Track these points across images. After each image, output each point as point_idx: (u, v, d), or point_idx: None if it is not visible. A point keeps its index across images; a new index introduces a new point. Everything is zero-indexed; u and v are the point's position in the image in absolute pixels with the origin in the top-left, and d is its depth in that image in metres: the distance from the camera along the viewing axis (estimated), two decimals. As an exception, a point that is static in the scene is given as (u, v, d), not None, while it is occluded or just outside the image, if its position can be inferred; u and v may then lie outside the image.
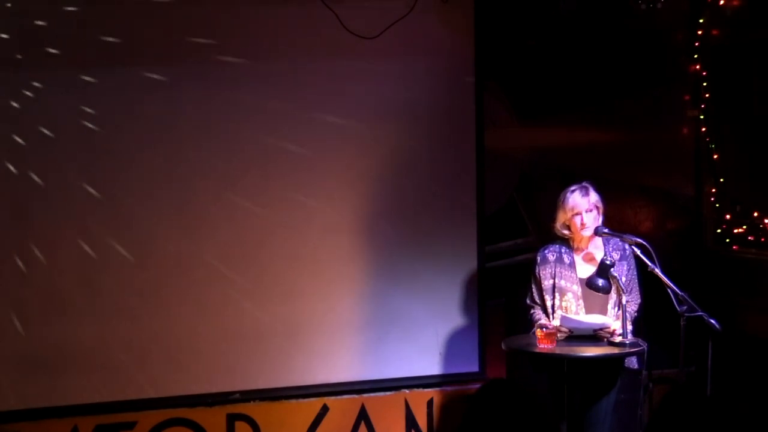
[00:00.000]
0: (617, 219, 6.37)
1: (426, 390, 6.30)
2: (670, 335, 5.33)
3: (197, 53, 5.84)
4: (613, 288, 5.34)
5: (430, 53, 6.20)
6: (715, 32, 6.78)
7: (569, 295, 5.42)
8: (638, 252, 5.35)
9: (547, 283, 5.47)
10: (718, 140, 6.83)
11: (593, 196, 5.41)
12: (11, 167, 5.60)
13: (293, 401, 6.08)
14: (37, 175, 5.63)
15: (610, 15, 6.69)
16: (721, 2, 6.74)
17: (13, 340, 5.62)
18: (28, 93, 5.60)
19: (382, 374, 6.20)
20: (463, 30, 6.24)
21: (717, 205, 6.85)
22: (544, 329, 5.25)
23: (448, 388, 6.33)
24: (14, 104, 5.59)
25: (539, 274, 5.50)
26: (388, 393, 6.23)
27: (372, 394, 6.20)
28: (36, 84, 5.60)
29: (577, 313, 5.39)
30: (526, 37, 6.57)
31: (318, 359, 6.09)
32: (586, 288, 5.38)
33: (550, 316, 5.44)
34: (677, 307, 5.16)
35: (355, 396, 6.17)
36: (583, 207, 5.38)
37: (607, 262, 5.31)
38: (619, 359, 5.30)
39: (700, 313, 5.14)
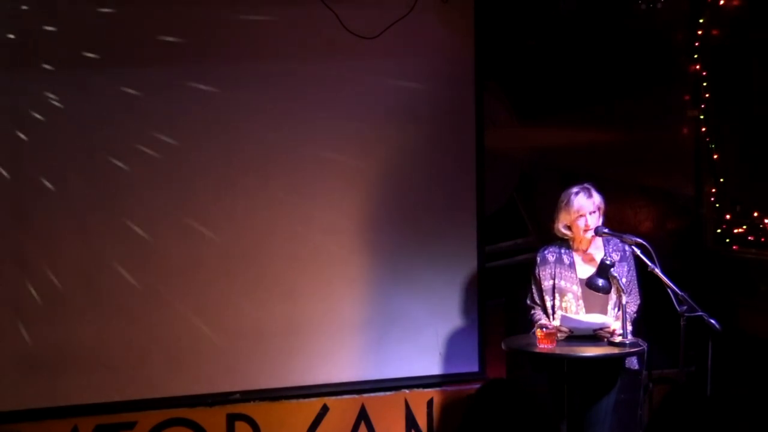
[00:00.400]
0: (617, 219, 6.37)
1: (426, 390, 6.30)
2: (670, 335, 5.33)
3: (197, 53, 5.83)
4: (613, 288, 5.34)
5: (430, 53, 6.20)
6: (715, 32, 6.79)
7: (569, 296, 5.42)
8: (638, 252, 5.35)
9: (547, 284, 5.47)
10: (718, 140, 6.83)
11: (596, 198, 5.41)
12: (11, 167, 5.60)
13: (293, 401, 6.08)
14: (37, 175, 5.63)
15: (610, 15, 6.69)
16: (721, 2, 6.74)
17: (13, 340, 5.62)
18: (28, 93, 5.59)
19: (382, 374, 6.20)
20: (463, 30, 6.24)
21: (717, 205, 6.86)
22: (544, 329, 5.25)
23: (448, 388, 6.33)
24: (14, 104, 5.58)
25: (539, 274, 5.50)
26: (388, 393, 6.23)
27: (372, 394, 6.20)
28: (36, 84, 5.60)
29: (577, 314, 5.38)
30: (526, 37, 6.57)
31: (318, 359, 6.09)
32: (586, 288, 5.38)
33: (550, 317, 5.44)
34: (677, 307, 5.16)
35: (355, 396, 6.17)
36: (587, 209, 5.37)
37: (607, 262, 5.30)
38: (619, 359, 5.30)
39: (700, 313, 5.14)
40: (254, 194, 5.96)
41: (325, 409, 6.12)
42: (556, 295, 5.44)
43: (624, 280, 5.35)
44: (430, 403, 6.31)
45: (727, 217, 6.83)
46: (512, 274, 6.43)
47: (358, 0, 5.99)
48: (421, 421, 6.30)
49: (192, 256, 5.86)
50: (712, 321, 5.12)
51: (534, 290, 5.54)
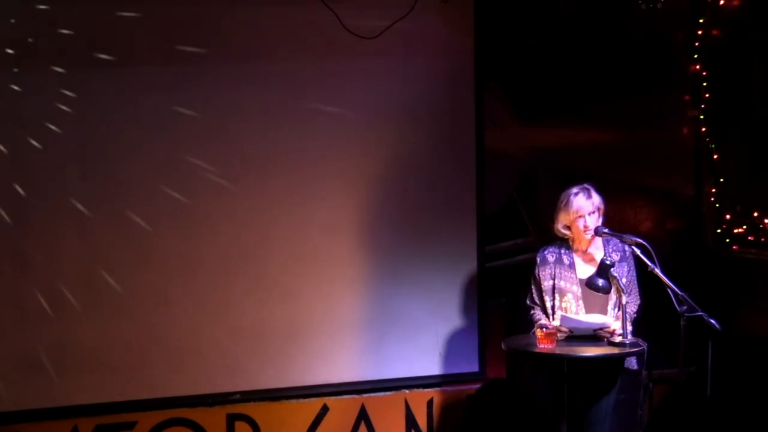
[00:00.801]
0: (617, 219, 6.37)
1: (426, 390, 6.30)
2: (670, 335, 5.32)
3: (197, 53, 5.83)
4: (613, 288, 5.34)
5: (430, 53, 6.20)
6: (715, 32, 6.79)
7: (569, 296, 5.42)
8: (638, 252, 5.35)
9: (546, 284, 5.47)
10: (718, 140, 6.83)
11: (596, 198, 5.41)
12: (11, 167, 5.60)
13: (293, 401, 6.08)
14: (37, 174, 5.63)
15: (610, 15, 6.69)
16: (721, 2, 6.74)
17: (13, 340, 5.62)
18: (28, 93, 5.59)
19: (383, 374, 6.20)
20: (463, 30, 6.24)
21: (717, 205, 6.86)
22: (544, 329, 5.25)
23: (448, 388, 6.33)
24: (14, 104, 5.58)
25: (539, 275, 5.50)
26: (388, 393, 6.23)
27: (372, 394, 6.20)
28: (36, 84, 5.59)
29: (577, 314, 5.38)
30: (526, 37, 6.58)
31: (318, 359, 6.09)
32: (585, 288, 5.38)
33: (550, 317, 5.44)
34: (677, 307, 5.16)
35: (355, 396, 6.17)
36: (587, 210, 5.37)
37: (607, 262, 5.30)
38: (618, 359, 5.30)
39: (700, 313, 5.14)
40: (254, 194, 5.96)
41: (325, 409, 6.13)
42: (556, 295, 5.44)
43: (624, 280, 5.34)
44: (430, 403, 6.31)
45: (727, 217, 6.83)
46: (512, 274, 6.43)
47: (358, 0, 5.99)
48: (421, 421, 6.30)
49: (192, 256, 5.86)
50: (712, 321, 5.12)
51: (534, 290, 5.54)
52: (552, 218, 5.51)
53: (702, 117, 6.83)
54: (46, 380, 5.66)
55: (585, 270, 5.44)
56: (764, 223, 6.63)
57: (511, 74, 6.54)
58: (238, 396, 5.98)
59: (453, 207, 6.30)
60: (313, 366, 6.08)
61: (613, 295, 5.39)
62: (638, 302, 5.50)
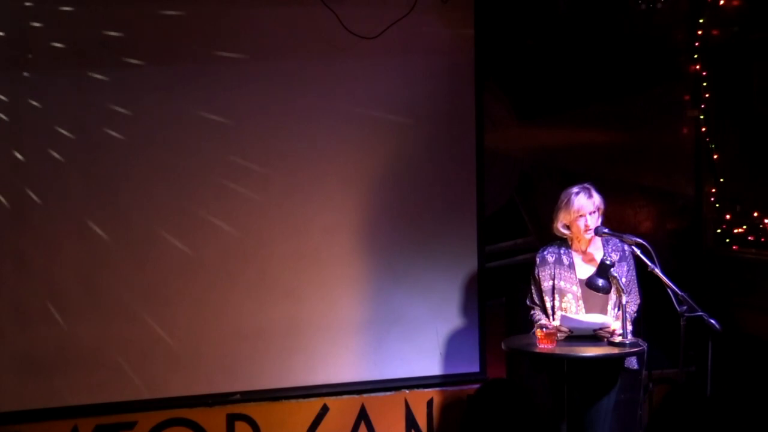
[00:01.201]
0: (617, 219, 6.37)
1: (426, 390, 6.30)
2: (670, 335, 5.32)
3: (197, 53, 5.83)
4: (613, 288, 5.33)
5: (430, 53, 6.20)
6: (715, 32, 6.79)
7: (569, 296, 5.41)
8: (638, 252, 5.34)
9: (546, 285, 5.46)
10: (718, 140, 6.83)
11: (596, 198, 5.40)
12: (12, 167, 5.60)
13: (293, 401, 6.08)
14: (37, 175, 5.63)
15: (609, 15, 6.69)
16: (721, 2, 6.74)
17: (13, 341, 5.62)
18: (28, 93, 5.59)
19: (383, 375, 6.20)
20: (463, 30, 6.24)
21: (717, 205, 6.86)
22: (544, 329, 5.24)
23: (449, 389, 6.33)
24: (14, 104, 5.58)
25: (538, 275, 5.49)
26: (388, 393, 6.23)
27: (372, 394, 6.20)
28: (36, 84, 5.59)
29: (577, 314, 5.38)
30: (525, 36, 6.58)
31: (318, 359, 6.09)
32: (585, 288, 5.38)
33: (550, 318, 5.43)
34: (677, 307, 5.16)
35: (355, 396, 6.17)
36: (587, 210, 5.37)
37: (607, 262, 5.30)
38: (618, 359, 5.30)
39: (699, 313, 5.13)
40: (254, 194, 5.96)
41: (325, 409, 6.13)
42: (556, 295, 5.44)
43: (624, 280, 5.34)
44: (430, 403, 6.31)
45: (727, 217, 6.83)
46: (512, 273, 6.44)
47: (358, 0, 5.99)
48: (421, 421, 6.30)
49: (192, 256, 5.86)
50: (712, 321, 5.11)
51: (533, 291, 5.54)
52: (552, 218, 5.51)
53: (702, 117, 6.84)
54: (46, 380, 5.66)
55: (585, 270, 5.44)
56: (764, 223, 6.63)
57: (511, 74, 6.55)
58: (238, 396, 5.98)
59: (453, 207, 6.29)
60: (313, 366, 6.08)
61: (613, 295, 5.38)
62: (638, 302, 5.49)
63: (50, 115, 5.63)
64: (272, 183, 5.99)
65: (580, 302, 5.41)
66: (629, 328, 5.27)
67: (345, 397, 6.16)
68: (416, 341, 6.25)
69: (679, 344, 5.17)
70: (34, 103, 5.60)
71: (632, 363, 5.37)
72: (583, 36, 6.64)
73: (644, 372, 5.32)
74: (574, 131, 6.66)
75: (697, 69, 6.82)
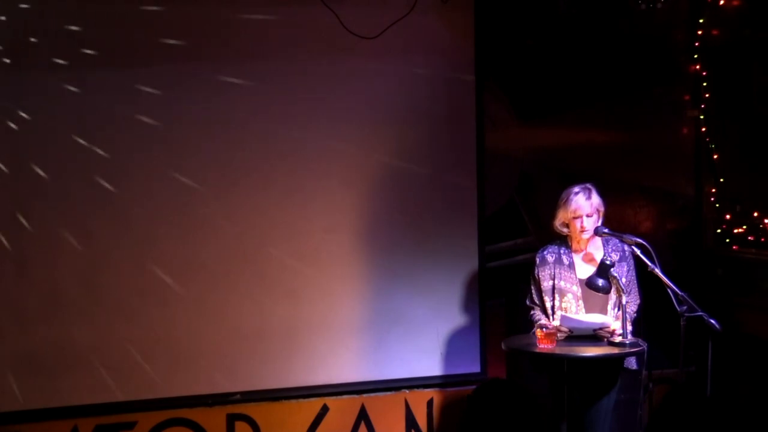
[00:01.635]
0: (617, 219, 6.37)
1: (426, 390, 6.30)
2: (670, 335, 5.32)
3: (197, 54, 5.83)
4: (613, 288, 5.33)
5: (430, 53, 6.20)
6: (715, 32, 6.79)
7: (569, 296, 5.41)
8: (638, 252, 5.35)
9: (546, 285, 5.46)
10: (718, 140, 6.83)
11: (595, 200, 5.40)
12: (12, 167, 5.60)
13: (293, 401, 6.08)
14: (37, 175, 5.63)
15: (609, 15, 6.69)
16: (721, 2, 6.74)
17: (13, 341, 5.62)
18: (28, 93, 5.59)
19: (383, 375, 6.20)
20: (463, 30, 6.24)
21: (717, 205, 6.86)
22: (544, 329, 5.24)
23: (449, 389, 6.33)
24: (14, 104, 5.58)
25: (538, 275, 5.49)
26: (388, 393, 6.23)
27: (372, 394, 6.20)
28: (36, 85, 5.59)
29: (576, 314, 5.38)
30: (525, 36, 6.58)
31: (318, 359, 6.09)
32: (585, 288, 5.38)
33: (550, 317, 5.44)
34: (677, 307, 5.16)
35: (355, 396, 6.17)
36: (584, 211, 5.37)
37: (607, 262, 5.30)
38: (618, 359, 5.30)
39: (699, 313, 5.13)
40: (255, 194, 5.96)
41: (325, 409, 6.13)
42: (556, 295, 5.44)
43: (624, 280, 5.34)
44: (430, 403, 6.31)
45: (727, 217, 6.83)
46: (512, 273, 6.43)
47: (358, 0, 5.99)
48: (421, 421, 6.30)
49: (192, 256, 5.86)
50: (712, 321, 5.11)
51: (533, 291, 5.54)
52: (552, 215, 5.50)
53: (702, 117, 6.84)
54: (46, 380, 5.66)
55: (585, 270, 5.44)
56: (764, 223, 6.63)
57: (511, 74, 6.54)
58: (238, 396, 5.98)
59: (453, 207, 6.30)
60: (313, 366, 6.08)
61: (613, 295, 5.38)
62: (638, 302, 5.49)
63: (50, 115, 5.63)
64: (272, 183, 5.99)
65: (580, 302, 5.41)
66: (629, 328, 5.27)
67: (345, 397, 6.16)
68: (416, 341, 6.25)
69: (679, 344, 5.17)
70: (34, 103, 5.60)
71: (632, 363, 5.37)
72: (583, 36, 6.64)
73: (644, 372, 5.32)
74: (574, 131, 6.66)
75: (697, 69, 6.82)
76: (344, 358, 6.14)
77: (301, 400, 6.09)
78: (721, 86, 6.80)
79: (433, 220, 6.25)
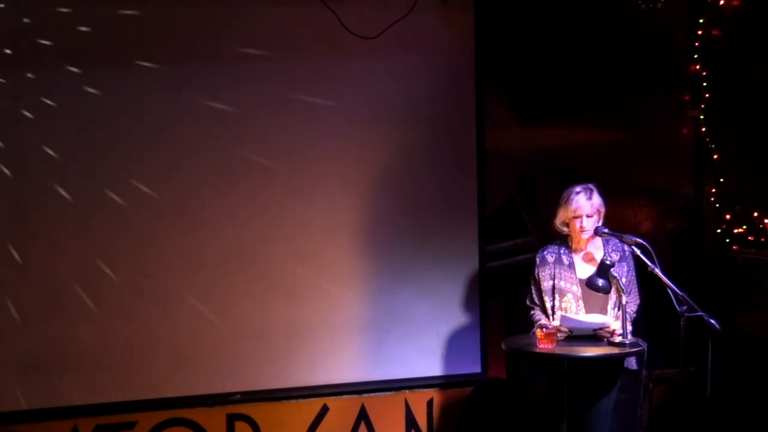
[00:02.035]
0: (617, 219, 6.37)
1: (426, 390, 6.30)
2: (670, 335, 5.32)
3: (198, 53, 5.84)
4: (613, 288, 5.33)
5: (430, 53, 6.20)
6: (715, 32, 6.79)
7: (569, 296, 5.41)
8: (638, 252, 5.34)
9: (546, 285, 5.46)
10: (718, 140, 6.83)
11: (596, 200, 5.39)
12: (12, 167, 5.60)
13: (293, 401, 6.08)
14: (37, 175, 5.63)
15: (609, 15, 6.69)
16: (721, 2, 6.74)
17: (13, 341, 5.62)
18: (28, 93, 5.60)
19: (383, 375, 6.20)
20: (463, 30, 6.24)
21: (717, 205, 6.86)
22: (544, 329, 5.24)
23: (449, 389, 6.32)
24: (14, 104, 5.58)
25: (538, 275, 5.49)
26: (388, 393, 6.23)
27: (372, 394, 6.20)
28: (36, 84, 5.60)
29: (576, 314, 5.38)
30: (525, 36, 6.58)
31: (318, 359, 6.09)
32: (585, 288, 5.38)
33: (550, 318, 5.43)
34: (677, 307, 5.16)
35: (355, 396, 6.17)
36: (585, 211, 5.37)
37: (607, 262, 5.30)
38: (618, 359, 5.30)
39: (699, 313, 5.13)
40: (255, 195, 5.96)
41: (325, 409, 6.13)
42: (556, 295, 5.44)
43: (624, 280, 5.34)
44: (430, 403, 6.31)
45: (727, 217, 6.83)
46: (512, 273, 6.44)
47: (358, 0, 5.99)
48: (421, 421, 6.30)
49: (193, 256, 5.86)
50: (712, 321, 5.11)
51: (533, 291, 5.54)
52: (553, 214, 5.50)
53: (702, 117, 6.84)
54: (46, 380, 5.66)
55: (585, 270, 5.44)
56: (764, 223, 6.63)
57: (511, 74, 6.54)
58: (238, 396, 5.98)
59: (453, 207, 6.30)
60: (313, 366, 6.08)
61: (613, 295, 5.38)
62: (638, 302, 5.49)
63: (50, 115, 5.63)
64: (273, 183, 5.99)
65: (580, 302, 5.41)
66: (629, 328, 5.27)
67: (345, 397, 6.16)
68: (417, 341, 6.25)
69: (679, 344, 5.17)
70: (35, 103, 5.60)
71: (632, 363, 5.37)
72: (583, 36, 6.64)
73: (644, 372, 5.32)
74: (574, 131, 6.66)
75: (697, 69, 6.82)
76: (344, 358, 6.14)
77: (301, 400, 6.09)
78: (721, 86, 6.80)
79: (433, 220, 6.25)
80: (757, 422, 6.21)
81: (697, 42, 6.81)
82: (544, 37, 6.59)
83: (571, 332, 5.35)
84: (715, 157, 6.84)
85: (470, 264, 6.33)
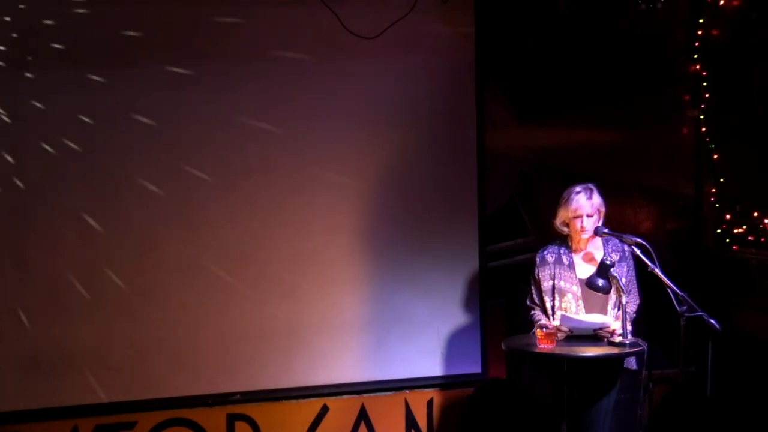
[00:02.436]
0: (617, 219, 6.37)
1: (426, 390, 6.30)
2: (670, 335, 5.32)
3: (197, 54, 5.84)
4: (613, 288, 5.33)
5: (430, 53, 6.20)
6: (715, 32, 6.79)
7: (569, 296, 5.41)
8: (638, 252, 5.34)
9: (546, 285, 5.46)
10: (718, 140, 6.83)
11: (596, 200, 5.39)
12: (12, 167, 5.60)
13: (293, 401, 6.08)
14: (37, 174, 5.63)
15: (609, 15, 6.69)
16: (721, 2, 6.74)
17: (13, 341, 5.62)
18: (28, 92, 5.60)
19: (383, 375, 6.20)
20: (463, 30, 6.24)
21: (717, 205, 6.86)
22: (544, 329, 5.24)
23: (449, 389, 6.32)
24: (14, 103, 5.58)
25: (538, 275, 5.49)
26: (388, 393, 6.23)
27: (372, 394, 6.20)
28: (36, 83, 5.60)
29: (576, 314, 5.38)
30: (525, 36, 6.58)
31: (318, 359, 6.09)
32: (585, 288, 5.38)
33: (550, 318, 5.43)
34: (677, 307, 5.16)
35: (355, 396, 6.17)
36: (585, 211, 5.37)
37: (607, 262, 5.30)
38: (618, 359, 5.30)
39: (699, 313, 5.13)
40: (255, 195, 5.96)
41: (325, 410, 6.13)
42: (556, 295, 5.44)
43: (624, 280, 5.34)
44: (430, 403, 6.31)
45: (727, 217, 6.83)
46: (512, 273, 6.43)
47: (358, 0, 5.99)
48: (421, 421, 6.30)
49: (193, 256, 5.87)
50: (712, 321, 5.11)
51: (533, 291, 5.54)
52: (553, 214, 5.50)
53: (702, 117, 6.84)
54: (46, 380, 5.66)
55: (585, 270, 5.44)
56: (764, 223, 6.63)
57: (511, 74, 6.54)
58: (238, 396, 5.98)
59: (454, 207, 6.30)
60: (313, 366, 6.08)
61: (612, 295, 5.38)
62: (638, 302, 5.49)
63: (51, 116, 5.63)
64: (273, 183, 5.99)
65: (580, 302, 5.41)
66: (629, 328, 5.27)
67: (345, 397, 6.16)
68: (417, 341, 6.25)
69: (679, 344, 5.17)
70: (35, 103, 5.61)
71: (632, 363, 5.37)
72: (583, 36, 6.64)
73: (644, 372, 5.32)
74: (574, 131, 6.66)
75: (697, 69, 6.82)
76: (344, 358, 6.14)
77: (301, 400, 6.09)
78: (721, 86, 6.80)
79: (434, 219, 6.24)
80: (757, 422, 6.21)
81: (697, 42, 6.81)
82: (544, 37, 6.60)
83: (571, 332, 5.35)
84: (715, 157, 6.84)
85: (470, 264, 6.33)
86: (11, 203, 5.61)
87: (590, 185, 5.44)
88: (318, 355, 6.08)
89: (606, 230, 5.42)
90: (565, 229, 5.48)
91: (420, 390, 6.29)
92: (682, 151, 6.90)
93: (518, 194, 6.64)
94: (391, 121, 6.14)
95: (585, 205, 5.37)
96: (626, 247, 5.46)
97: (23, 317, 5.63)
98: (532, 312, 5.53)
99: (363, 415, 6.19)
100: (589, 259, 5.46)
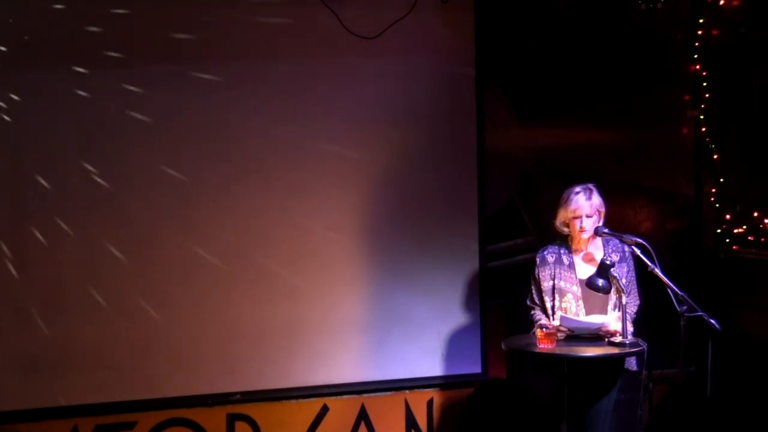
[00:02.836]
0: (617, 219, 6.36)
1: (426, 390, 6.30)
2: (670, 335, 5.32)
3: (197, 53, 5.84)
4: (613, 288, 5.33)
5: (430, 53, 6.20)
6: (715, 32, 6.79)
7: (569, 296, 5.41)
8: (638, 252, 5.35)
9: (546, 285, 5.46)
10: (718, 140, 6.83)
11: (596, 200, 5.39)
12: (12, 167, 5.60)
13: (293, 401, 6.08)
14: (37, 174, 5.63)
15: (609, 15, 6.69)
16: (721, 2, 6.74)
17: (13, 340, 5.62)
18: (28, 91, 5.60)
19: (383, 375, 6.20)
20: (463, 30, 6.24)
21: (717, 205, 6.86)
22: (544, 329, 5.24)
23: (449, 389, 6.32)
24: (14, 102, 5.58)
25: (538, 275, 5.49)
26: (388, 393, 6.23)
27: (372, 395, 6.20)
28: (36, 82, 5.60)
29: (576, 314, 5.38)
30: (525, 36, 6.58)
31: (318, 359, 6.09)
32: (585, 289, 5.38)
33: (550, 318, 5.43)
34: (677, 307, 5.16)
35: (355, 396, 6.17)
36: (584, 211, 5.37)
37: (607, 262, 5.30)
38: (618, 359, 5.30)
39: (699, 313, 5.14)
40: (255, 194, 5.96)
41: (325, 410, 6.13)
42: (556, 295, 5.44)
43: (624, 280, 5.34)
44: (430, 403, 6.31)
45: (727, 217, 6.83)
46: (512, 273, 6.43)
47: (358, 0, 5.99)
48: (421, 421, 6.30)
49: (192, 256, 5.86)
50: (712, 321, 5.12)
51: (533, 291, 5.54)
52: (553, 214, 5.50)
53: (702, 117, 6.83)
54: (46, 380, 5.66)
55: (585, 270, 5.44)
56: (764, 223, 6.63)
57: (511, 74, 6.54)
58: (238, 396, 5.98)
59: (454, 207, 6.29)
60: (313, 366, 6.08)
61: (612, 295, 5.38)
62: (638, 302, 5.49)
63: (51, 116, 5.63)
64: (272, 183, 5.99)
65: (580, 302, 5.41)
66: (629, 328, 5.27)
67: (345, 397, 6.16)
68: (417, 341, 6.25)
69: (679, 344, 5.17)
70: (35, 103, 5.60)
71: (632, 363, 5.37)
72: (583, 36, 6.64)
73: (644, 372, 5.32)
74: (574, 131, 6.66)
75: (697, 69, 6.82)
76: (344, 358, 6.14)
77: (301, 400, 6.09)
78: (721, 86, 6.80)
79: (434, 220, 6.24)
80: (757, 422, 6.20)
81: (697, 42, 6.80)
82: (544, 37, 6.60)
83: (571, 332, 5.35)
84: (715, 157, 6.84)
85: (470, 264, 6.33)
86: (11, 203, 5.61)
87: (590, 185, 5.44)
88: (318, 355, 6.08)
89: (606, 230, 5.42)
90: (565, 230, 5.48)
91: (420, 390, 6.29)
92: (682, 151, 6.90)
93: (518, 194, 6.64)
94: (391, 121, 6.14)
95: (584, 206, 5.37)
96: (626, 248, 5.46)
97: (23, 317, 5.63)
98: (532, 312, 5.53)
99: (363, 415, 6.19)
100: (589, 259, 5.46)
